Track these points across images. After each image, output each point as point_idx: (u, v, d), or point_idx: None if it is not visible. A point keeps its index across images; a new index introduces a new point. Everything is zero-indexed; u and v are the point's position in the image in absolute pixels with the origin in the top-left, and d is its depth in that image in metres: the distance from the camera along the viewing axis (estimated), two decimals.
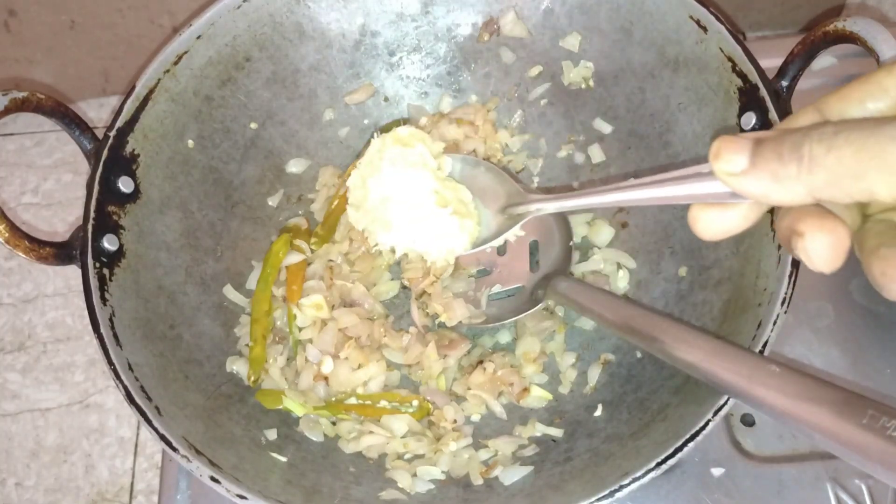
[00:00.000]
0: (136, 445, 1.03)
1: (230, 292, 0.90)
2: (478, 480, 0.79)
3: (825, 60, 1.05)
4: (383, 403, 0.85)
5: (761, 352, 0.68)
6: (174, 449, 0.69)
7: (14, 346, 1.09)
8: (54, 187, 1.19)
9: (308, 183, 0.99)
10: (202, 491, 0.89)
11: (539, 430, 0.83)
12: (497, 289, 0.92)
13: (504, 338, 0.91)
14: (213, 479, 0.68)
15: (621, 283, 0.90)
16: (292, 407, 0.84)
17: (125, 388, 0.72)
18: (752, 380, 0.59)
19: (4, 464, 1.02)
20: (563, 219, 0.92)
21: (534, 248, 0.93)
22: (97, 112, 1.25)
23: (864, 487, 0.84)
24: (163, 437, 0.70)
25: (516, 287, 0.91)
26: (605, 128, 0.96)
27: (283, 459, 0.78)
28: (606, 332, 0.88)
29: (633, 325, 0.72)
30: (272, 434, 0.81)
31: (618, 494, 0.65)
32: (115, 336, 0.75)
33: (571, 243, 0.91)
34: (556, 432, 0.82)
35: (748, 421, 0.88)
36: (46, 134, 1.21)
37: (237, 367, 0.86)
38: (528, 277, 0.91)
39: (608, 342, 0.88)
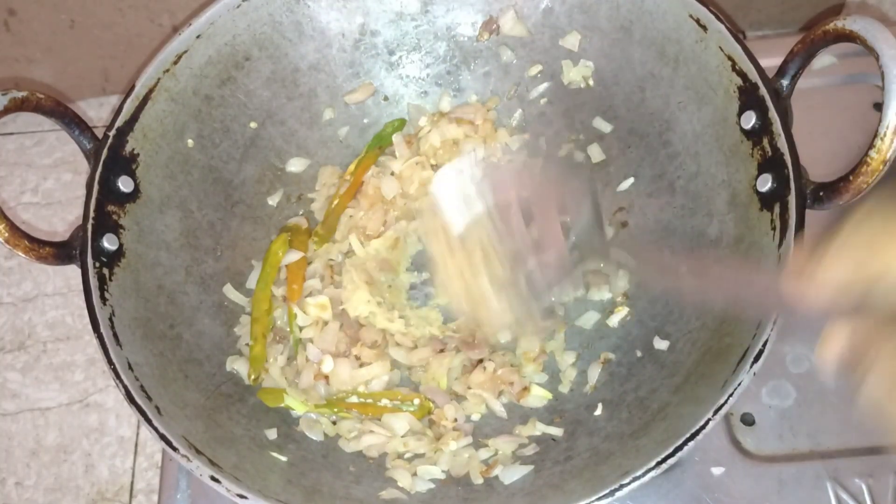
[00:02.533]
0: (136, 445, 1.03)
1: (230, 292, 0.90)
2: (478, 480, 0.79)
3: (825, 59, 1.05)
4: (384, 402, 0.85)
5: (762, 351, 0.68)
6: (174, 448, 0.69)
7: (14, 345, 1.09)
8: (54, 186, 1.19)
9: (308, 182, 0.99)
10: (202, 490, 0.89)
11: (539, 429, 0.83)
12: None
13: (504, 336, 0.91)
14: (213, 478, 0.68)
15: (621, 282, 0.90)
16: (293, 405, 0.84)
17: (125, 387, 0.72)
18: None
19: (4, 463, 1.02)
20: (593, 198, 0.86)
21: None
22: (97, 111, 1.25)
23: (864, 487, 0.83)
24: (163, 437, 0.70)
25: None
26: (605, 127, 0.96)
27: (284, 459, 0.78)
28: (606, 331, 0.89)
29: None
30: (272, 433, 0.81)
31: (618, 493, 0.65)
32: (115, 336, 0.75)
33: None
34: (556, 431, 0.82)
35: (748, 420, 0.88)
36: (46, 133, 1.21)
37: (237, 366, 0.86)
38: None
39: (608, 341, 0.88)
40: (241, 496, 0.68)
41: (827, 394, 0.88)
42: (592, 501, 0.65)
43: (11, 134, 1.23)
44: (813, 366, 0.90)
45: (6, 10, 1.12)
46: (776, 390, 0.89)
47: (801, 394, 0.89)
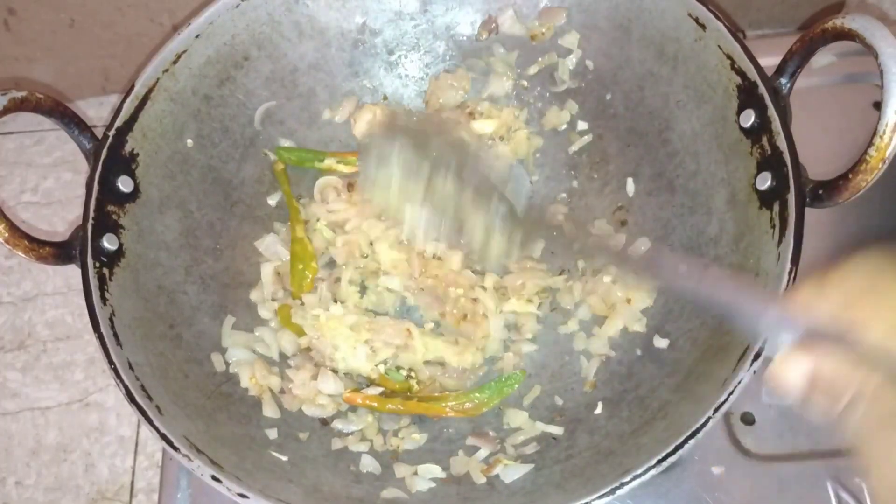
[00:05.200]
0: (137, 444, 1.03)
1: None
2: (479, 479, 0.79)
3: (825, 59, 1.05)
4: None
5: (762, 349, 0.67)
6: (175, 448, 0.69)
7: (14, 344, 1.08)
8: (54, 186, 1.19)
9: (308, 182, 0.98)
10: (202, 489, 0.89)
11: (539, 427, 0.83)
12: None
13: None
14: (214, 478, 0.68)
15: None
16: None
17: (126, 387, 0.72)
18: None
19: (4, 462, 1.02)
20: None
21: None
22: (97, 111, 1.25)
23: (864, 486, 0.83)
24: (164, 437, 0.70)
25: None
26: (604, 126, 0.96)
27: (284, 458, 0.78)
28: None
29: None
30: (272, 433, 0.81)
31: (619, 492, 0.65)
32: (116, 336, 0.75)
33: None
34: (557, 430, 0.82)
35: (748, 420, 0.88)
36: (46, 132, 1.21)
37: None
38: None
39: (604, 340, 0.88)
40: (243, 496, 0.68)
41: None
42: (593, 500, 0.65)
43: (11, 133, 1.23)
44: None
45: (6, 9, 1.11)
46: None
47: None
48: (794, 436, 0.87)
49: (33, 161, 1.20)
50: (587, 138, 0.97)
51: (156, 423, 0.71)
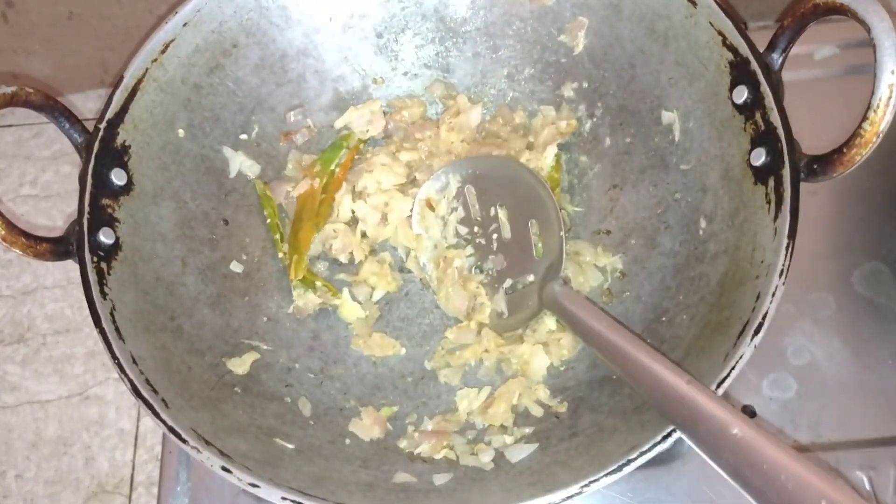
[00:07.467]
0: (136, 437, 1.03)
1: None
2: (486, 461, 0.80)
3: (827, 50, 1.05)
4: None
5: (762, 324, 0.68)
6: (184, 441, 0.69)
7: (13, 338, 1.08)
8: (53, 179, 1.18)
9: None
10: (201, 483, 0.89)
11: (544, 399, 0.84)
12: (508, 283, 0.91)
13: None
14: (224, 469, 0.68)
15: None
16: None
17: (131, 381, 0.72)
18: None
19: (4, 456, 1.02)
20: (554, 204, 0.90)
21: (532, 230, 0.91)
22: (95, 103, 1.24)
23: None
24: (172, 430, 0.70)
25: (529, 282, 0.90)
26: (596, 104, 0.96)
27: (291, 446, 0.78)
28: (602, 307, 0.89)
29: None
30: (277, 421, 0.81)
31: (626, 469, 0.66)
32: (118, 330, 0.75)
33: (562, 233, 0.89)
34: (560, 408, 0.83)
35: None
36: (45, 125, 1.20)
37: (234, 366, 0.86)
38: (535, 267, 0.89)
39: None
40: (254, 485, 0.68)
41: (828, 386, 0.89)
42: (601, 477, 0.66)
43: (10, 126, 1.22)
44: (814, 358, 0.91)
45: (4, 1, 1.10)
46: (777, 382, 0.89)
47: (803, 386, 0.89)
48: (795, 429, 0.87)
49: (32, 154, 1.19)
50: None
51: (163, 416, 0.70)
